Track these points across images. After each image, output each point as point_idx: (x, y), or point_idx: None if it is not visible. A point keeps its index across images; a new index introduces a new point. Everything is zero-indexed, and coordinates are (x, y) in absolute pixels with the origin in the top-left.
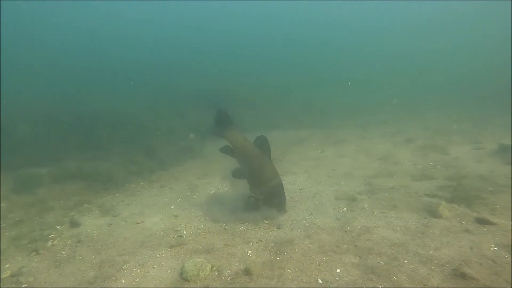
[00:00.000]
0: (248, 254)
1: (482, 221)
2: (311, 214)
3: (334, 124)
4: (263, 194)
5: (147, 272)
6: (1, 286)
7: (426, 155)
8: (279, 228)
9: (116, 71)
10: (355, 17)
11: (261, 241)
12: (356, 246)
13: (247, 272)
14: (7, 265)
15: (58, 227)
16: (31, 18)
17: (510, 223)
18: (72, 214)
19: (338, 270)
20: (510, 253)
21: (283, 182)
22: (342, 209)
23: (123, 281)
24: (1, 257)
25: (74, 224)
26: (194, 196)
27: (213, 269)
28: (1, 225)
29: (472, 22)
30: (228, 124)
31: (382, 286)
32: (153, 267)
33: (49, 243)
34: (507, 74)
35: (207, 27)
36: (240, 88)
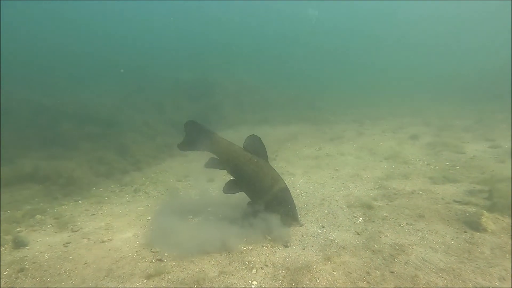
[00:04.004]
0: (253, 286)
1: None
2: (323, 227)
3: (327, 118)
4: (265, 204)
5: None
6: None
7: (438, 154)
8: (286, 247)
9: (89, 58)
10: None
11: (267, 266)
12: (393, 272)
13: None
14: None
15: None
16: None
17: None
18: (18, 229)
19: None
20: None
21: None
22: (358, 219)
23: None
24: None
25: (18, 244)
26: (176, 204)
27: None
28: None
29: (473, 21)
30: (204, 134)
31: None
32: None
33: None
34: (507, 71)
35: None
36: (224, 79)
